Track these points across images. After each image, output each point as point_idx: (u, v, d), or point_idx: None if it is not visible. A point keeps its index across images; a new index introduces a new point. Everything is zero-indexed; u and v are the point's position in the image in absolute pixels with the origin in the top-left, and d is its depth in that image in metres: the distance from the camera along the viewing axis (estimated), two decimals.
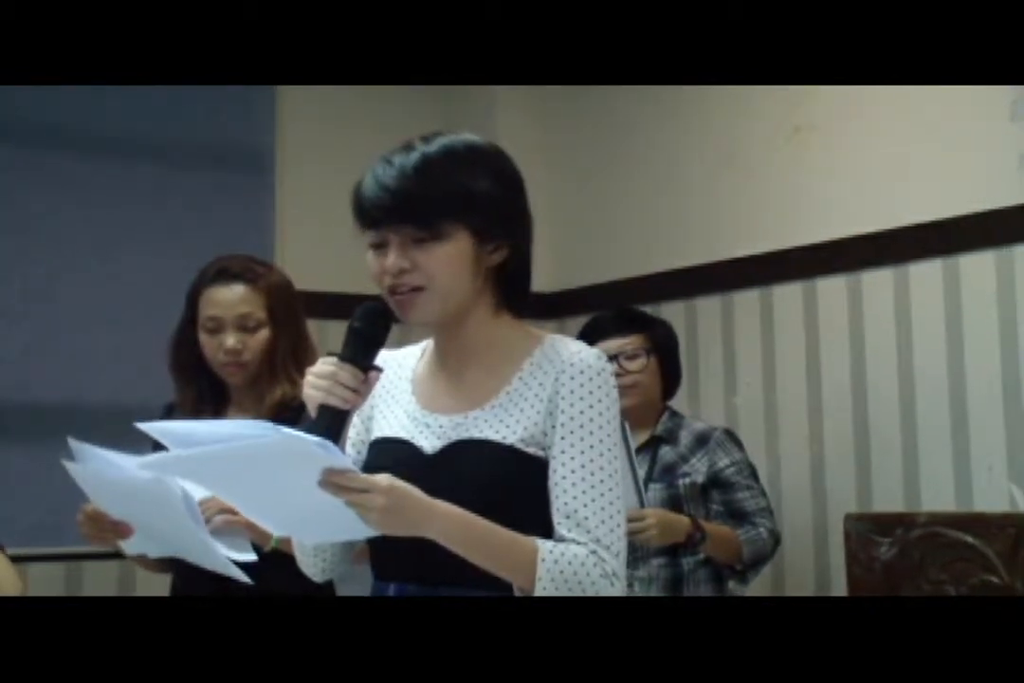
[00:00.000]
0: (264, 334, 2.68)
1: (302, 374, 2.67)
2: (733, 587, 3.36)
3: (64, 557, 3.69)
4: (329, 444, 1.65)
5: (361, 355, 1.82)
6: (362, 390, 1.80)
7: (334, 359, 1.82)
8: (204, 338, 2.69)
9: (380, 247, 1.88)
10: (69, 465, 2.14)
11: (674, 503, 3.20)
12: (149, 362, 2.75)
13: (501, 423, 1.87)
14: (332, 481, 1.65)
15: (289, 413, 2.67)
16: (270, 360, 2.67)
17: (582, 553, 1.79)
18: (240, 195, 4.13)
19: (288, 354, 2.69)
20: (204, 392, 2.73)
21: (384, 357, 2.03)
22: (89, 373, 3.81)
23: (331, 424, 1.77)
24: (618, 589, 1.80)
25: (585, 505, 1.82)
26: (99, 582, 3.75)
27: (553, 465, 1.85)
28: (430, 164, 1.85)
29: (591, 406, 1.86)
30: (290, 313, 2.72)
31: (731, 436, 3.34)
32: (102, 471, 2.14)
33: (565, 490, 1.83)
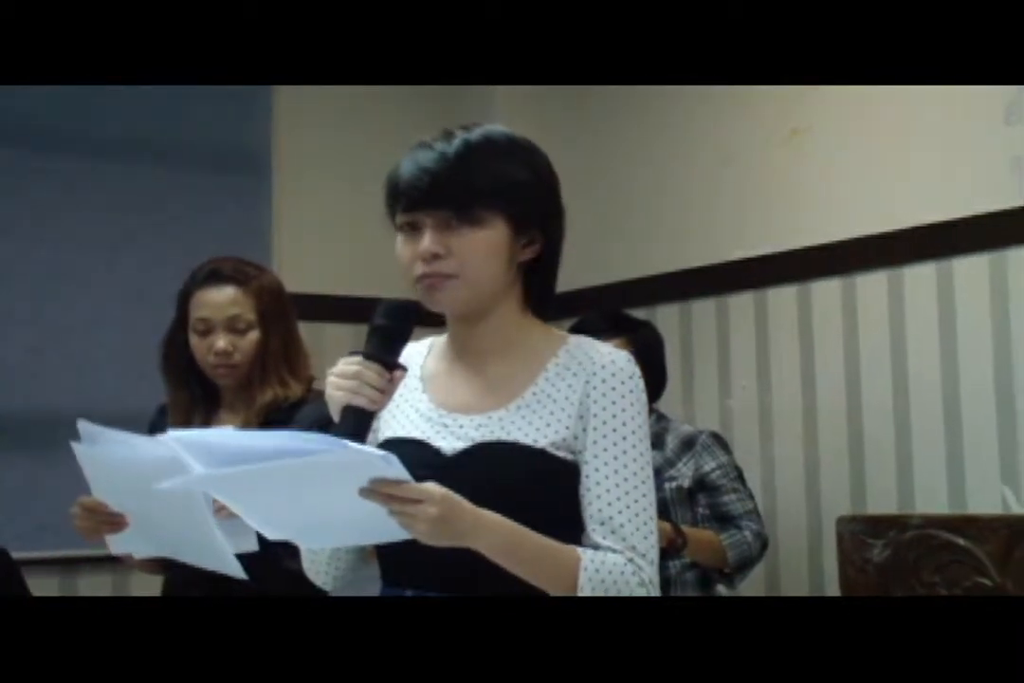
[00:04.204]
0: (254, 336, 2.67)
1: (293, 376, 2.70)
2: (721, 590, 3.37)
3: (59, 561, 3.70)
4: (393, 457, 1.59)
5: (386, 353, 1.75)
6: (388, 389, 1.74)
7: (358, 358, 1.73)
8: (194, 340, 2.68)
9: (412, 230, 1.83)
10: (76, 447, 2.12)
11: (661, 508, 3.18)
12: (150, 364, 2.76)
13: (530, 425, 1.83)
14: (383, 491, 1.60)
15: (279, 414, 2.66)
16: (261, 362, 2.67)
17: (620, 561, 1.77)
18: (238, 197, 4.14)
19: (279, 356, 2.68)
20: (195, 394, 2.72)
21: None
22: (91, 376, 3.81)
23: (357, 425, 1.71)
24: (653, 597, 1.79)
25: (620, 512, 1.79)
26: (94, 587, 3.76)
27: (586, 470, 1.81)
28: (472, 150, 1.82)
29: (624, 410, 1.83)
30: (281, 315, 2.71)
31: (717, 439, 3.34)
32: (112, 454, 2.12)
33: (599, 496, 1.80)
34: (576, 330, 3.33)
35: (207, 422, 2.71)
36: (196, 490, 1.95)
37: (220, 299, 2.67)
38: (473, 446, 1.84)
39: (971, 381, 3.29)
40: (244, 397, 2.69)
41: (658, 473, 3.22)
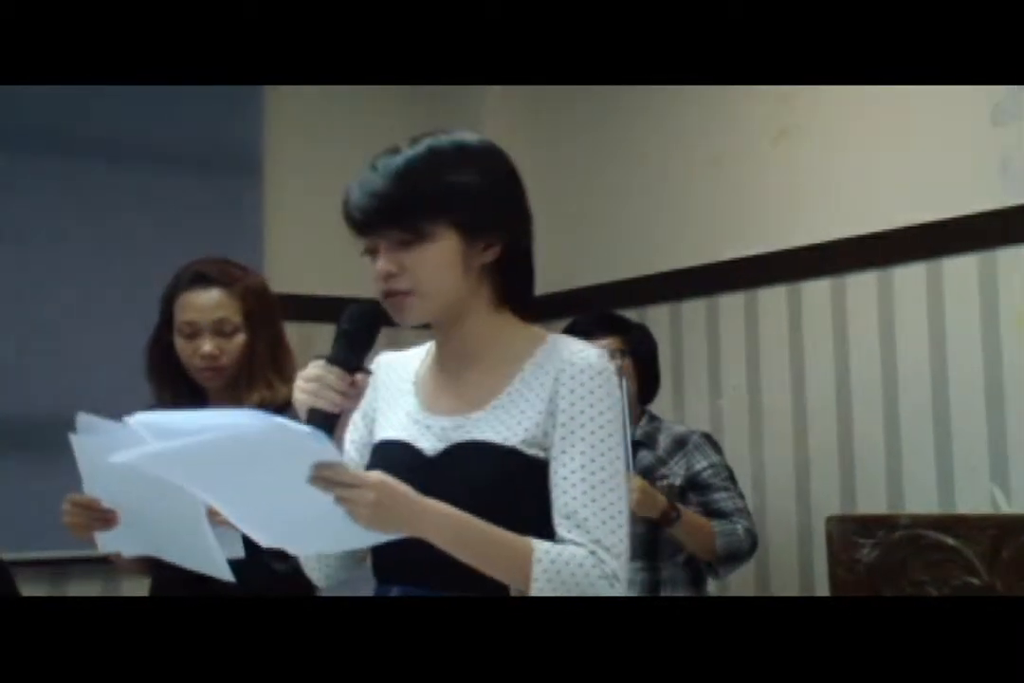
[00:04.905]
0: (241, 339, 2.66)
1: (280, 378, 2.69)
2: (712, 592, 3.38)
3: (48, 563, 3.69)
4: (321, 435, 1.62)
5: (348, 357, 1.80)
6: (350, 393, 1.78)
7: (322, 362, 1.80)
8: (180, 343, 2.67)
9: (373, 253, 1.87)
10: (74, 438, 2.12)
11: None
12: (141, 366, 2.75)
13: (502, 424, 1.85)
14: (322, 475, 1.62)
15: None
16: (248, 364, 2.65)
17: (580, 554, 1.76)
18: (229, 198, 4.14)
19: (266, 358, 2.67)
20: (182, 397, 2.71)
21: (389, 359, 2.04)
22: (81, 377, 3.80)
23: (321, 428, 1.73)
24: (618, 590, 1.77)
25: (585, 505, 1.79)
26: (83, 590, 3.75)
27: (553, 465, 1.82)
28: (413, 166, 1.84)
29: (592, 405, 1.82)
30: (267, 317, 2.70)
31: (709, 439, 3.35)
32: (108, 446, 2.11)
33: (565, 490, 1.80)
34: (569, 331, 3.35)
35: None
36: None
37: (206, 302, 2.66)
38: (450, 446, 1.87)
39: (960, 381, 3.30)
40: (231, 400, 2.67)
41: (650, 472, 3.24)
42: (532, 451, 1.83)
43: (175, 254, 2.89)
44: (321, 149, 4.32)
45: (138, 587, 2.89)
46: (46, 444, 2.26)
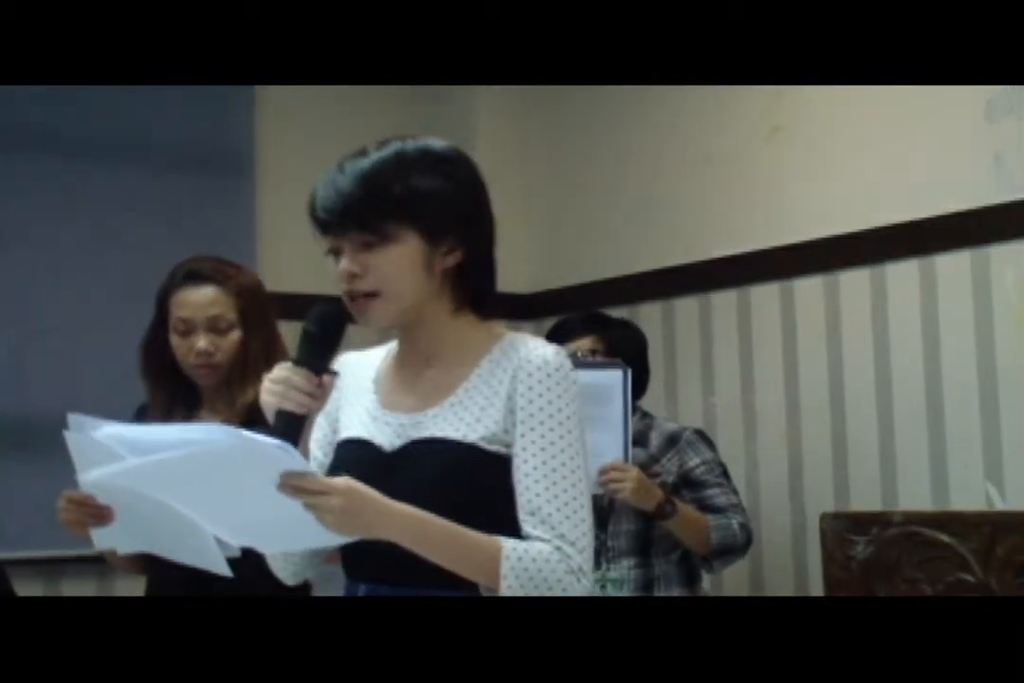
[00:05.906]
0: (235, 336, 2.67)
1: None
2: (707, 589, 3.38)
3: (42, 562, 3.69)
4: (289, 447, 1.65)
5: (314, 358, 1.82)
6: (317, 394, 1.81)
7: (288, 364, 1.82)
8: (175, 340, 2.67)
9: (336, 253, 1.91)
10: (68, 435, 2.13)
11: None
12: (134, 365, 2.75)
13: (461, 421, 1.87)
14: (290, 483, 1.66)
15: (260, 414, 2.65)
16: (242, 362, 2.66)
17: (546, 550, 1.79)
18: (221, 198, 4.13)
19: (260, 355, 2.67)
20: (176, 394, 2.71)
21: (352, 358, 2.06)
22: (74, 376, 3.80)
23: (288, 429, 1.78)
24: (584, 585, 1.80)
25: (548, 501, 1.82)
26: (77, 589, 3.75)
27: (515, 462, 1.85)
28: (379, 169, 1.88)
29: (550, 402, 1.85)
30: (261, 314, 2.71)
31: (701, 436, 3.35)
32: (106, 444, 2.11)
33: (528, 487, 1.83)
34: (554, 331, 3.36)
35: (188, 422, 2.70)
36: None
37: (200, 299, 2.67)
38: (408, 443, 1.90)
39: (954, 378, 3.30)
40: (226, 397, 2.68)
41: (642, 469, 3.24)
42: (494, 447, 1.86)
43: (170, 253, 2.89)
44: (313, 148, 4.30)
45: (133, 587, 2.88)
46: (43, 444, 2.25)
